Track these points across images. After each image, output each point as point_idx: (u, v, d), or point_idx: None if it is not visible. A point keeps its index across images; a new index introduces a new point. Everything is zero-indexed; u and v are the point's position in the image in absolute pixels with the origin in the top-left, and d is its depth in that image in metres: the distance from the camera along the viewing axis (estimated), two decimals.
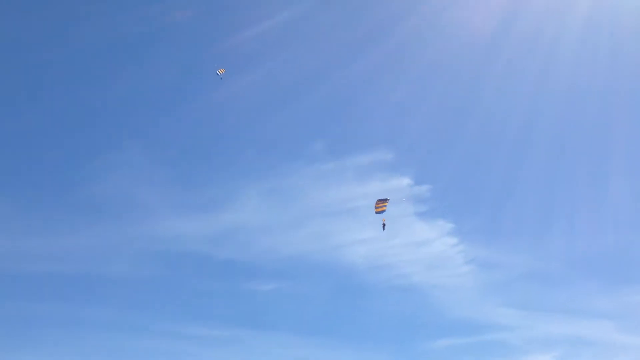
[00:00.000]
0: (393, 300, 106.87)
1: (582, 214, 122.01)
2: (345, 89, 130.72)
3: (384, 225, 63.64)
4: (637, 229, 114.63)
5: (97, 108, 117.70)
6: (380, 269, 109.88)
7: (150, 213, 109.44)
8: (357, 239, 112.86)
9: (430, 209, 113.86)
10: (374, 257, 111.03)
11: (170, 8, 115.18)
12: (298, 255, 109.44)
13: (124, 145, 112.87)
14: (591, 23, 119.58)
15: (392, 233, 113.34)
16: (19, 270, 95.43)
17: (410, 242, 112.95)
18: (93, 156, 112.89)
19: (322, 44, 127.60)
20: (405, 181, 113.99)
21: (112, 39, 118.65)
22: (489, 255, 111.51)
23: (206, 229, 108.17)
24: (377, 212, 60.40)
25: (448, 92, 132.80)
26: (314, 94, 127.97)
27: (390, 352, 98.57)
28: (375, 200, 61.46)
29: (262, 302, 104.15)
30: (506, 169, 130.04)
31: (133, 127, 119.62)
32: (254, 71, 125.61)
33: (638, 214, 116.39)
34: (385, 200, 60.50)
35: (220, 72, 64.49)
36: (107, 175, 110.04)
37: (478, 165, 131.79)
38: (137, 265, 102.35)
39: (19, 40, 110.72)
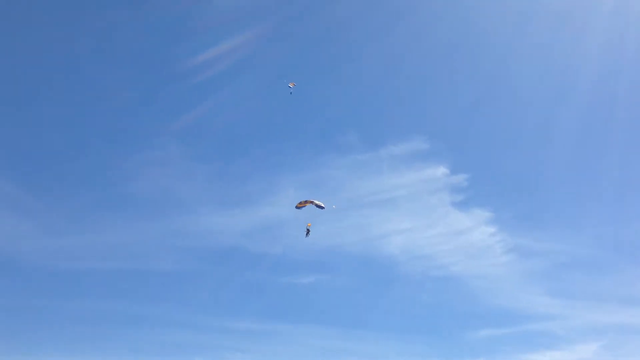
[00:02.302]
0: (432, 291, 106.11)
1: (625, 198, 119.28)
2: (378, 79, 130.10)
3: (307, 230, 61.20)
4: None
5: (134, 106, 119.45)
6: (419, 260, 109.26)
7: (189, 209, 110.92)
8: (394, 230, 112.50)
9: (467, 198, 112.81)
10: (411, 247, 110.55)
11: None
12: (335, 248, 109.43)
13: (161, 143, 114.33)
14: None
15: (430, 223, 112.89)
16: (62, 268, 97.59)
17: (447, 232, 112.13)
18: (131, 154, 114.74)
19: (354, 33, 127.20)
20: (441, 170, 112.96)
21: (144, 36, 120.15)
22: (528, 243, 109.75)
23: (244, 223, 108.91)
24: (297, 207, 59.00)
25: (483, 79, 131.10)
26: (347, 85, 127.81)
27: (431, 343, 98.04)
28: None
29: (301, 295, 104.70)
30: (544, 156, 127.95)
31: (169, 124, 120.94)
32: (287, 62, 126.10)
33: None
34: (315, 204, 59.00)
35: (291, 85, 65.50)
36: (146, 173, 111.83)
37: (515, 152, 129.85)
38: (177, 261, 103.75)
39: (55, 40, 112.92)
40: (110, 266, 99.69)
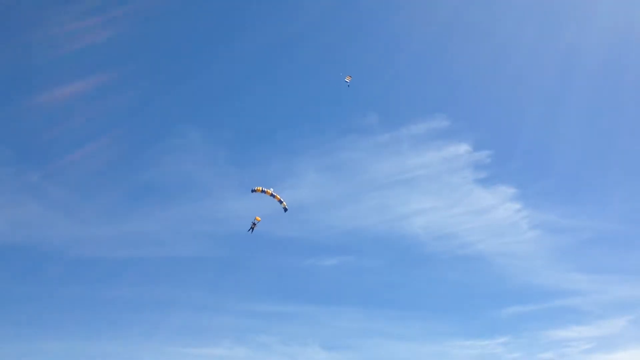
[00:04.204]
0: (458, 270, 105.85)
1: None
2: (396, 59, 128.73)
3: (254, 224, 59.15)
4: None
5: (156, 95, 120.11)
6: (443, 239, 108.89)
7: (211, 195, 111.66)
8: (417, 210, 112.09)
9: (491, 175, 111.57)
10: (435, 227, 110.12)
11: None
12: (358, 229, 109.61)
13: (182, 130, 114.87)
14: None
15: (453, 201, 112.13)
16: (88, 256, 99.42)
17: (471, 210, 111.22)
18: (154, 142, 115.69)
19: (371, 12, 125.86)
20: (464, 148, 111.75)
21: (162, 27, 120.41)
22: (555, 219, 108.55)
23: (266, 207, 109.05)
24: (252, 191, 57.83)
25: (502, 53, 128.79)
26: (365, 67, 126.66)
27: (458, 322, 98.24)
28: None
29: (325, 277, 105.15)
30: (568, 130, 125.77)
31: (190, 112, 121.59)
32: (304, 48, 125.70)
33: None
34: (284, 206, 57.88)
35: (347, 79, 65.71)
36: (167, 160, 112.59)
37: (538, 127, 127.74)
38: (201, 247, 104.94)
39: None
40: (136, 253, 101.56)
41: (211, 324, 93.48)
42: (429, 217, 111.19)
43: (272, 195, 57.33)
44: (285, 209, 57.93)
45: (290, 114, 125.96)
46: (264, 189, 57.27)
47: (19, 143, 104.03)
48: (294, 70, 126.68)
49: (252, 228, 59.40)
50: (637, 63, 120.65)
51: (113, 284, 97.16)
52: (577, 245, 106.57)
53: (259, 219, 58.71)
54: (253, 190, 57.35)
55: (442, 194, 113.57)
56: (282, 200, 57.31)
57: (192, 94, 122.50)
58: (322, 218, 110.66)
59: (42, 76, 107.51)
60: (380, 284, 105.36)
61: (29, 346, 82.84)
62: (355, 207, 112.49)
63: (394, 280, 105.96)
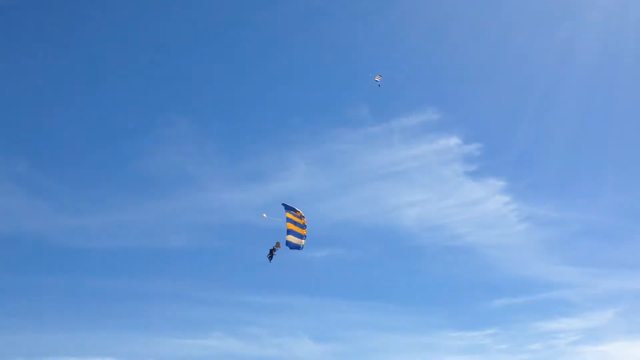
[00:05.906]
0: (448, 262, 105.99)
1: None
2: (386, 50, 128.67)
3: (273, 251, 49.60)
4: None
5: (145, 86, 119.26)
6: (433, 231, 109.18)
7: (201, 186, 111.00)
8: (408, 202, 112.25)
9: (480, 168, 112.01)
10: (426, 219, 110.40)
11: None
12: (350, 221, 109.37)
13: (171, 120, 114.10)
14: None
15: (443, 194, 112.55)
16: (78, 246, 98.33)
17: (462, 203, 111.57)
18: (143, 133, 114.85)
19: (362, 3, 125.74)
20: (454, 141, 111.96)
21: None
22: (544, 212, 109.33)
23: (256, 199, 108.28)
24: (288, 208, 48.25)
25: (492, 46, 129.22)
26: (355, 58, 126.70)
27: (447, 314, 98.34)
28: None
29: (316, 269, 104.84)
30: (558, 123, 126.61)
31: (180, 102, 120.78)
32: (294, 39, 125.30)
33: None
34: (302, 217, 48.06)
35: (378, 78, 65.75)
36: (157, 151, 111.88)
37: (528, 120, 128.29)
38: (190, 238, 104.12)
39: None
40: (125, 244, 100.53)
41: (201, 315, 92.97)
42: (420, 209, 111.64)
43: (303, 225, 47.82)
44: (294, 246, 48.44)
45: (281, 105, 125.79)
46: (303, 214, 47.87)
47: (7, 132, 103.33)
48: (286, 62, 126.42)
49: (271, 255, 50.25)
50: (629, 59, 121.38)
51: (102, 275, 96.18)
52: (565, 238, 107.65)
53: (279, 245, 48.87)
54: (290, 208, 47.75)
55: (432, 186, 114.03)
56: (305, 236, 47.58)
57: (181, 85, 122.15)
58: (313, 210, 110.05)
59: None
60: (371, 276, 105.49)
61: (17, 337, 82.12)
62: (346, 199, 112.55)
63: (385, 272, 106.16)
